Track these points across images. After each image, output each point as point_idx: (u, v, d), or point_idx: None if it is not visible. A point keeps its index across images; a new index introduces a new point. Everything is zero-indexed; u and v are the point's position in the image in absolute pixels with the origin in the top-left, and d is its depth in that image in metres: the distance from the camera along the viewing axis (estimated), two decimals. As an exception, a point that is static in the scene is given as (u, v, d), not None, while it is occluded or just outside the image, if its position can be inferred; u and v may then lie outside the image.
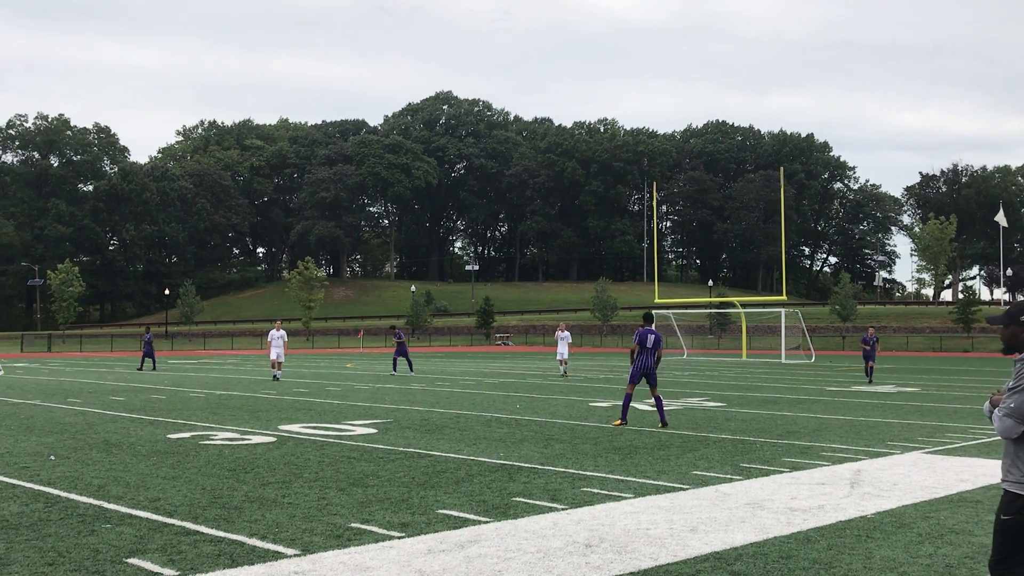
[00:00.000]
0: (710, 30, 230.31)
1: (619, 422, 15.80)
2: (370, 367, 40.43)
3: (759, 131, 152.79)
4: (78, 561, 6.62)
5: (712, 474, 10.66)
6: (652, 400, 16.94)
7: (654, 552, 6.99)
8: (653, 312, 17.77)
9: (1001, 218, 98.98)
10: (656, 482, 10.09)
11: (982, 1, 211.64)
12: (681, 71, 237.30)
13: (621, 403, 16.27)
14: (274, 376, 29.45)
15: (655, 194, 65.02)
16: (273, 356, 30.12)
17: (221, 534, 7.49)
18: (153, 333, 42.31)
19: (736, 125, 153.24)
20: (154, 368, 37.17)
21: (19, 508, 8.57)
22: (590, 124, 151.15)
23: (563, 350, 32.85)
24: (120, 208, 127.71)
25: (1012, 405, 4.53)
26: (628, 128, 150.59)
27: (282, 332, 31.13)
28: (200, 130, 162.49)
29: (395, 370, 33.28)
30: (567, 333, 33.55)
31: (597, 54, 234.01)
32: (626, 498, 9.14)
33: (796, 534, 7.64)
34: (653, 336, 16.20)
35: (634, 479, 10.26)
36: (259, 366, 41.61)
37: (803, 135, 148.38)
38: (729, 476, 10.53)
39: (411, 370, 33.46)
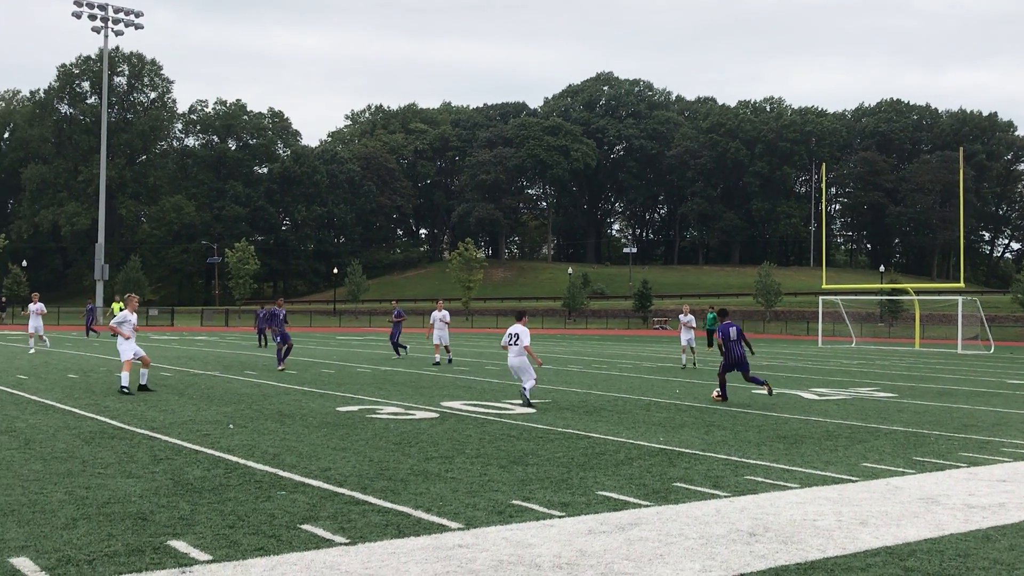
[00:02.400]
0: (886, 3, 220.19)
1: (718, 395, 17.07)
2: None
3: (936, 109, 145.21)
4: (256, 525, 6.96)
5: (883, 467, 10.25)
6: (761, 387, 17.22)
7: (821, 544, 6.78)
8: (727, 308, 18.67)
9: None
10: (823, 473, 9.78)
11: None
12: (853, 47, 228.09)
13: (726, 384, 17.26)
14: (434, 361, 26.74)
15: (824, 175, 62.81)
16: (436, 339, 27.17)
17: (388, 505, 7.72)
18: (267, 310, 39.71)
19: (911, 103, 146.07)
20: (264, 345, 36.00)
21: (202, 472, 9.09)
22: (755, 103, 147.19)
23: (689, 336, 27.84)
24: (292, 190, 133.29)
25: None
26: (795, 107, 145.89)
27: (443, 312, 27.78)
28: (367, 114, 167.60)
29: (398, 354, 30.09)
30: (691, 316, 28.42)
31: (764, 31, 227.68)
32: (791, 488, 8.90)
33: (974, 532, 7.25)
34: (735, 328, 16.89)
35: (800, 469, 9.98)
36: (421, 344, 42.68)
37: (985, 114, 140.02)
38: (901, 469, 10.10)
39: (398, 354, 30.15)
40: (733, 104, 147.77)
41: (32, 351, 29.06)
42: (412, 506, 7.69)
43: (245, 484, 8.53)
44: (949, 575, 6.10)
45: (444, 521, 7.19)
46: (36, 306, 30.23)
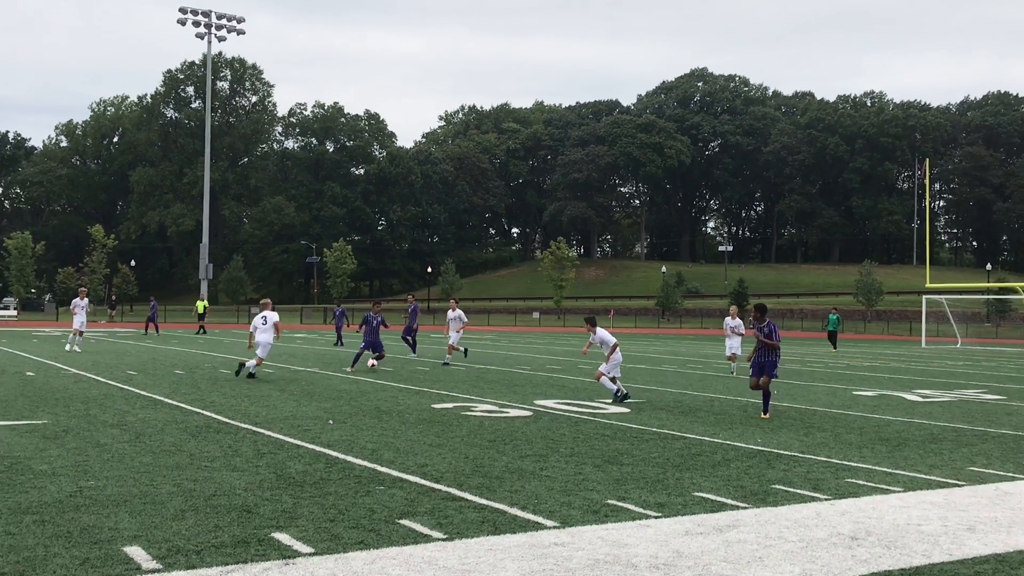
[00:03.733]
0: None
1: (764, 414, 14.55)
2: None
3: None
4: (356, 519, 7.11)
5: (991, 471, 9.91)
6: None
7: (927, 549, 6.60)
8: (764, 304, 15.50)
9: None
10: (928, 477, 9.50)
11: None
12: (958, 38, 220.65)
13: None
14: (444, 362, 25.28)
15: (927, 171, 60.96)
16: (451, 340, 25.53)
17: (484, 502, 7.80)
18: (344, 308, 38.97)
19: (1021, 96, 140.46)
20: (340, 344, 35.82)
21: (303, 467, 9.31)
22: (855, 97, 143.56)
23: (734, 343, 24.38)
24: (388, 190, 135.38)
25: None
26: (897, 101, 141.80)
27: (458, 312, 25.89)
28: (460, 115, 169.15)
29: (415, 352, 28.49)
30: (739, 320, 24.64)
31: (865, 23, 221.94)
32: (895, 492, 8.67)
33: (1092, 542, 6.96)
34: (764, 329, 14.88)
35: (903, 472, 9.72)
36: (514, 342, 42.88)
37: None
38: (1011, 474, 9.75)
39: (413, 352, 28.47)
40: (832, 99, 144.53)
41: (70, 348, 28.55)
42: (508, 503, 7.74)
43: (345, 479, 8.70)
44: (1064, 585, 5.87)
45: (540, 519, 7.22)
46: (82, 302, 29.57)
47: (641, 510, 7.63)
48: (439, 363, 25.75)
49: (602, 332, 16.37)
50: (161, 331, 48.68)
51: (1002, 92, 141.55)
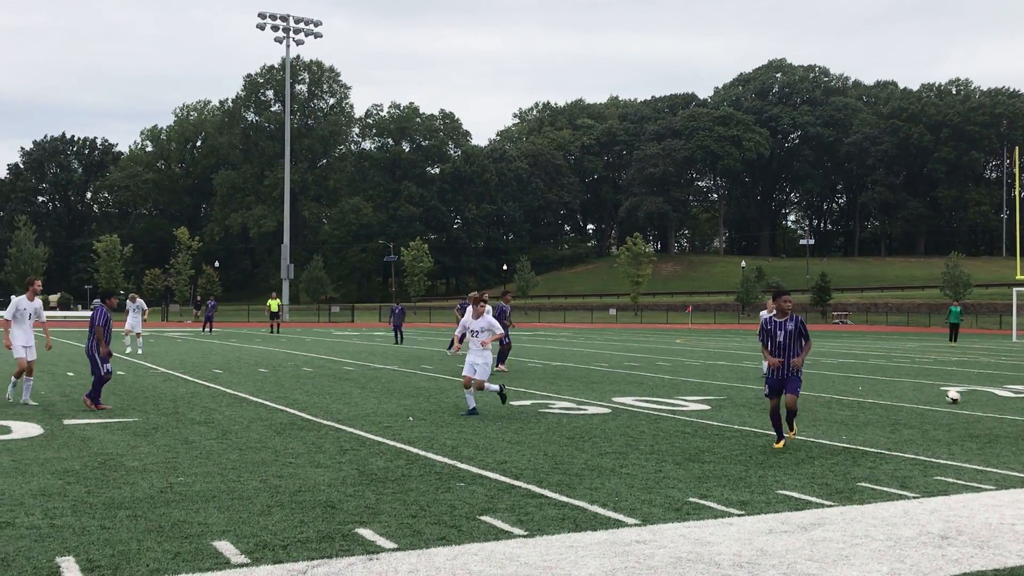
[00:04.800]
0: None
1: (779, 443, 10.73)
2: (699, 343, 40.22)
3: None
4: (437, 515, 7.17)
5: (1090, 470, 9.55)
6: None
7: (1021, 549, 6.40)
8: (782, 288, 11.82)
9: None
10: (1021, 475, 9.21)
11: None
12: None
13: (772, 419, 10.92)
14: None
15: (1016, 160, 58.99)
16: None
17: (564, 499, 7.80)
18: (403, 306, 38.68)
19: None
20: (400, 342, 35.45)
21: (385, 463, 9.43)
22: (940, 86, 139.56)
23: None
24: (463, 189, 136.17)
25: None
26: (984, 88, 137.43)
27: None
28: (534, 112, 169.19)
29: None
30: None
31: (949, 8, 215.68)
32: (986, 490, 8.43)
33: None
34: (792, 323, 10.71)
35: (995, 470, 9.43)
36: (591, 339, 42.78)
37: None
38: (1111, 473, 9.39)
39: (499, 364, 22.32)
40: (916, 87, 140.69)
41: (128, 350, 28.47)
42: (588, 500, 7.73)
43: (426, 475, 8.79)
44: None
45: (620, 516, 7.19)
46: (136, 303, 29.34)
47: (724, 508, 7.55)
48: (552, 364, 25.81)
49: (491, 318, 14.08)
50: (221, 330, 49.54)
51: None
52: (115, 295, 14.77)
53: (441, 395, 16.28)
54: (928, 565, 6.01)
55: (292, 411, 13.74)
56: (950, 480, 8.87)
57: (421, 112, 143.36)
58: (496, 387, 13.79)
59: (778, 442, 10.74)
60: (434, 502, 7.62)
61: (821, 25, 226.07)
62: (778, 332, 10.62)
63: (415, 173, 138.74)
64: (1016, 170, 62.52)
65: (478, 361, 13.62)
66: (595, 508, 7.47)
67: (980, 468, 9.55)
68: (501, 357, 21.88)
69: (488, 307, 20.48)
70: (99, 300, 14.48)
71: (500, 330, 14.08)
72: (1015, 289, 52.88)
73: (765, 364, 11.50)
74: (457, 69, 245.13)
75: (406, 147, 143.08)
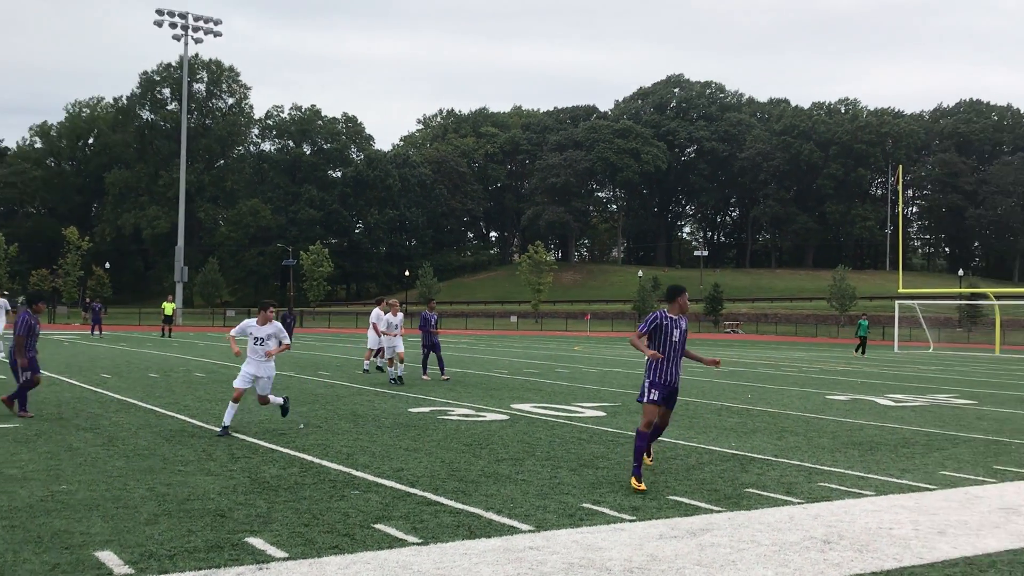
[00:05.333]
0: (969, 2, 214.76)
1: (640, 485, 8.70)
2: (597, 350, 40.72)
3: (1018, 110, 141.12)
4: (330, 524, 7.09)
5: (962, 475, 10.02)
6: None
7: (898, 553, 6.67)
8: (679, 286, 9.52)
9: None
10: (899, 481, 9.60)
11: None
12: (933, 46, 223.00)
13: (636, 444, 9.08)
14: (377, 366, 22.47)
15: (900, 177, 61.49)
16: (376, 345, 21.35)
17: (460, 506, 7.80)
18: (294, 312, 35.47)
19: (992, 104, 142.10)
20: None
21: (278, 471, 9.28)
22: (830, 104, 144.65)
23: None
24: (365, 193, 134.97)
25: None
26: (871, 108, 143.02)
27: (400, 317, 20.94)
28: (439, 118, 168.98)
29: (425, 372, 22.11)
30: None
31: (840, 31, 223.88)
32: (867, 495, 8.76)
33: (1059, 545, 7.05)
34: (685, 322, 9.37)
35: (875, 476, 9.81)
36: (491, 346, 42.90)
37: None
38: (981, 478, 9.86)
39: (441, 372, 22.07)
40: (807, 106, 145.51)
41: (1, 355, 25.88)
42: (483, 507, 7.75)
43: (320, 483, 8.68)
44: (1031, 588, 5.95)
45: (515, 523, 7.24)
46: (1, 303, 26.07)
47: (616, 514, 7.67)
48: (452, 371, 25.70)
49: (279, 323, 12.53)
50: (112, 333, 48.13)
51: (974, 100, 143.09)
52: (43, 299, 14.03)
53: (337, 401, 16.10)
54: (811, 569, 6.21)
55: (182, 417, 13.41)
56: (833, 486, 9.19)
57: (323, 115, 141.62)
58: (280, 399, 12.76)
59: (647, 460, 9.72)
60: (327, 510, 7.54)
61: (718, 43, 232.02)
62: (674, 330, 9.13)
63: (316, 176, 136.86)
64: (900, 187, 65.16)
65: (260, 374, 12.15)
66: (490, 515, 7.49)
67: (861, 474, 9.91)
68: (437, 364, 21.49)
69: (378, 311, 20.35)
70: (24, 304, 13.80)
71: (287, 339, 12.45)
72: (897, 302, 55.11)
73: None
74: (361, 73, 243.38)
75: (307, 150, 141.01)
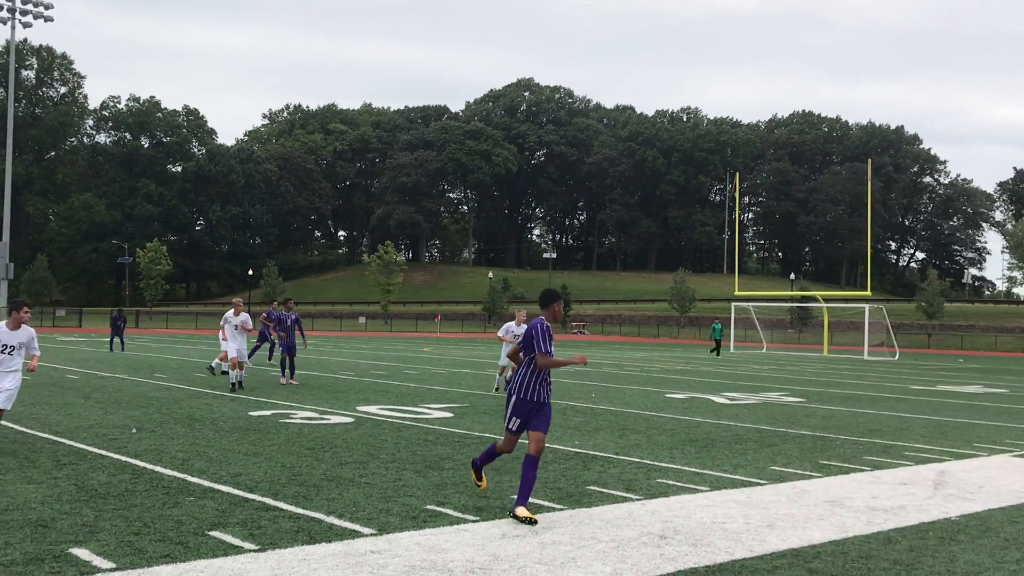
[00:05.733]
0: (802, 18, 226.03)
1: (482, 483, 8.49)
2: (446, 351, 40.75)
3: (847, 122, 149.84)
4: (162, 532, 6.80)
5: (790, 470, 10.49)
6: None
7: (730, 547, 6.91)
8: (553, 289, 8.41)
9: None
10: (733, 476, 9.96)
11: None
12: (770, 60, 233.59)
13: (486, 451, 8.59)
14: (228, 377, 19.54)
15: (737, 185, 64.19)
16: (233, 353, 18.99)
17: (300, 511, 7.62)
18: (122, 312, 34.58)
19: (823, 116, 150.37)
20: (116, 350, 32.15)
21: (107, 478, 8.84)
22: (673, 113, 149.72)
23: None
24: (207, 189, 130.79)
25: None
26: (711, 117, 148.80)
27: (242, 317, 19.44)
28: (285, 114, 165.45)
29: (285, 378, 20.48)
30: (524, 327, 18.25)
31: (683, 42, 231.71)
32: (702, 491, 9.05)
33: (876, 534, 7.47)
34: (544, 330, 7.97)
35: (710, 472, 10.15)
36: (338, 348, 42.30)
37: (892, 127, 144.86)
38: (808, 473, 10.35)
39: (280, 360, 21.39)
40: (651, 113, 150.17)
41: None
42: (324, 512, 7.60)
43: (152, 490, 8.32)
44: (851, 576, 6.27)
45: (357, 527, 7.12)
46: None
47: (460, 515, 7.65)
48: (299, 373, 25.06)
49: (32, 330, 10.62)
50: None
51: (806, 112, 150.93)
52: None
53: (173, 405, 15.52)
54: (647, 564, 6.36)
55: (3, 423, 12.61)
56: (670, 482, 9.46)
57: (163, 107, 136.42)
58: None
59: (481, 480, 8.51)
60: (160, 518, 7.23)
61: (567, 49, 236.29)
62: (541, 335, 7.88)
63: (155, 171, 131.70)
64: (737, 194, 67.96)
65: (7, 386, 10.24)
66: (331, 519, 7.35)
67: (697, 471, 10.24)
68: (290, 368, 20.18)
69: (245, 314, 19.63)
70: None
71: (37, 351, 10.62)
72: (733, 304, 57.41)
73: None
74: (205, 65, 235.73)
75: (145, 143, 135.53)
